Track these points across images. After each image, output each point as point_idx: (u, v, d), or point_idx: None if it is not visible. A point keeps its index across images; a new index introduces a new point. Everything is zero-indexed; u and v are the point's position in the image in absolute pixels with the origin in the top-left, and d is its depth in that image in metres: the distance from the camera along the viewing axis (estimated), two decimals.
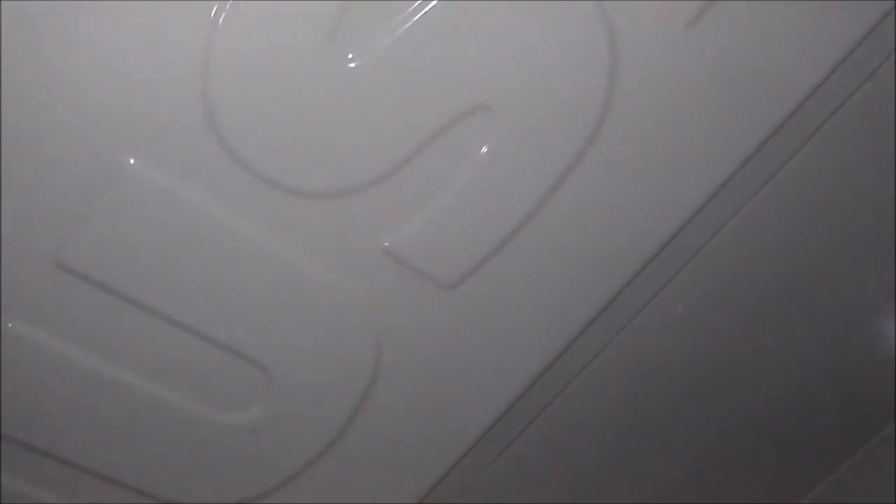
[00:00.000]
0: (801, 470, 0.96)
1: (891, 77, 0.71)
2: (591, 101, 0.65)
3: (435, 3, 0.60)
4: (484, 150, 0.65)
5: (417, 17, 0.60)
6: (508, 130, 0.65)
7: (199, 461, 0.75)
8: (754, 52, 0.65)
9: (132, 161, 0.62)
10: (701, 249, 0.74)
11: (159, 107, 0.61)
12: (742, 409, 0.90)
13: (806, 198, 0.77)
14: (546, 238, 0.70)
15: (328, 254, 0.68)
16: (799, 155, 0.73)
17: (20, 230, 0.63)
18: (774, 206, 0.76)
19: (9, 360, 0.67)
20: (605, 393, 0.83)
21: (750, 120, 0.69)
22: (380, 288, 0.70)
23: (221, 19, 0.58)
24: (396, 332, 0.72)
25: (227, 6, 0.58)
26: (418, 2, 0.60)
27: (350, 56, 0.61)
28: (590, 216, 0.69)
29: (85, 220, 0.63)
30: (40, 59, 0.58)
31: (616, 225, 0.70)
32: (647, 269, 0.72)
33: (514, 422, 0.81)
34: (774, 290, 0.83)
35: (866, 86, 0.71)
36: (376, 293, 0.70)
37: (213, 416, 0.73)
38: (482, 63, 0.62)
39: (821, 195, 0.78)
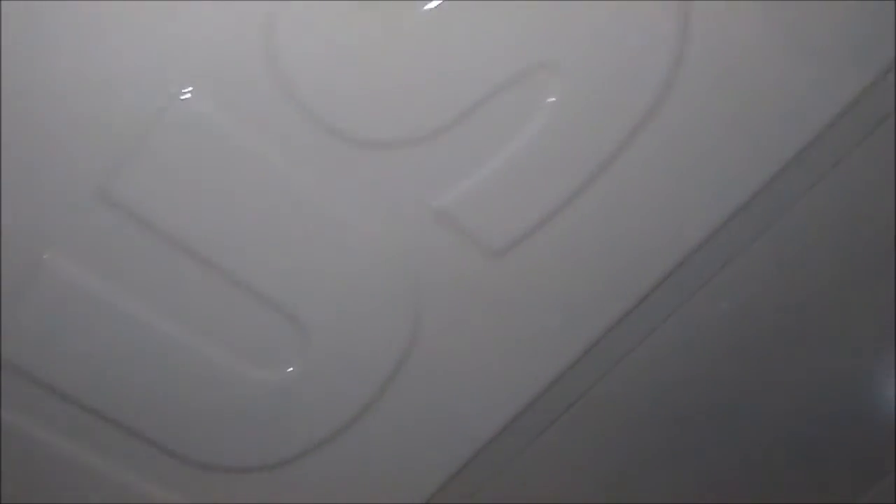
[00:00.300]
0: None
1: None
2: (658, 69, 0.63)
3: None
4: (545, 111, 0.64)
5: None
6: (572, 93, 0.64)
7: (225, 417, 0.73)
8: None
9: (189, 96, 0.61)
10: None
11: (220, 44, 0.60)
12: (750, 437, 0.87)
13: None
14: (598, 211, 0.68)
15: (378, 208, 0.66)
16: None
17: (68, 156, 0.62)
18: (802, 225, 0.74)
19: (41, 293, 0.65)
20: (641, 384, 0.80)
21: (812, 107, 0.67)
22: (426, 249, 0.68)
23: None
24: (437, 298, 0.70)
25: None
26: None
27: None
28: (644, 192, 0.68)
29: (136, 153, 0.62)
30: None
31: (670, 204, 0.68)
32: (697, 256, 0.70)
33: (545, 411, 0.78)
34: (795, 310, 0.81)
35: None
36: (422, 254, 0.68)
37: (244, 370, 0.71)
38: (552, 19, 0.61)
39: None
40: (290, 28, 0.60)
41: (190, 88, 0.60)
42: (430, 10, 0.59)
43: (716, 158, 0.67)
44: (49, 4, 0.57)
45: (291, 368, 0.71)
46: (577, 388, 0.78)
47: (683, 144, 0.66)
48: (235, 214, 0.65)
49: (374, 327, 0.70)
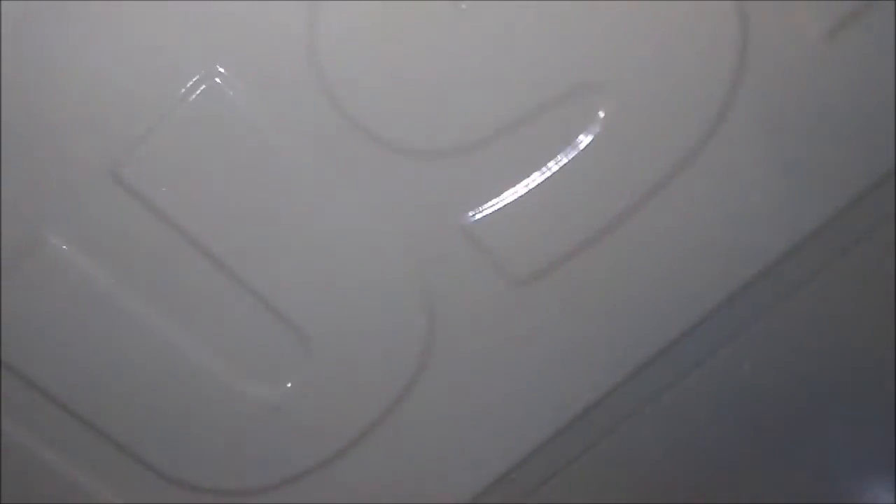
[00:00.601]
0: None
1: None
2: (711, 102, 0.60)
3: None
4: (589, 135, 0.61)
5: None
6: (620, 118, 0.61)
7: (212, 433, 0.68)
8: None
9: (219, 80, 0.58)
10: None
11: (260, 29, 0.57)
12: None
13: None
14: (632, 249, 0.65)
15: (401, 220, 0.62)
16: None
17: (82, 130, 0.58)
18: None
19: (37, 273, 0.61)
20: (652, 442, 0.76)
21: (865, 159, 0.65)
22: (448, 269, 0.64)
23: None
24: (454, 322, 0.65)
25: None
26: None
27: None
28: (688, 228, 0.64)
29: (154, 133, 0.59)
30: None
31: (714, 242, 0.65)
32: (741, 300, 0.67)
33: (548, 462, 0.73)
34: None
35: None
36: (443, 274, 0.64)
37: (238, 382, 0.66)
38: (607, 35, 0.58)
39: None
40: (333, 22, 0.57)
41: (222, 70, 0.57)
42: (475, 13, 0.57)
43: (762, 201, 0.63)
44: None
45: (290, 384, 0.67)
46: (583, 441, 0.73)
47: (727, 184, 0.63)
48: (248, 209, 0.61)
49: (382, 346, 0.65)
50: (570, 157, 0.61)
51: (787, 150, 0.62)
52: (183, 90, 0.58)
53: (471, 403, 0.67)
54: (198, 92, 0.58)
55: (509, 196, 0.62)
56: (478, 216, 0.63)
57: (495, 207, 0.62)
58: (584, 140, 0.61)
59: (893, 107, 0.61)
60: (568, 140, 0.61)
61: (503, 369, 0.67)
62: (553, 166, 0.62)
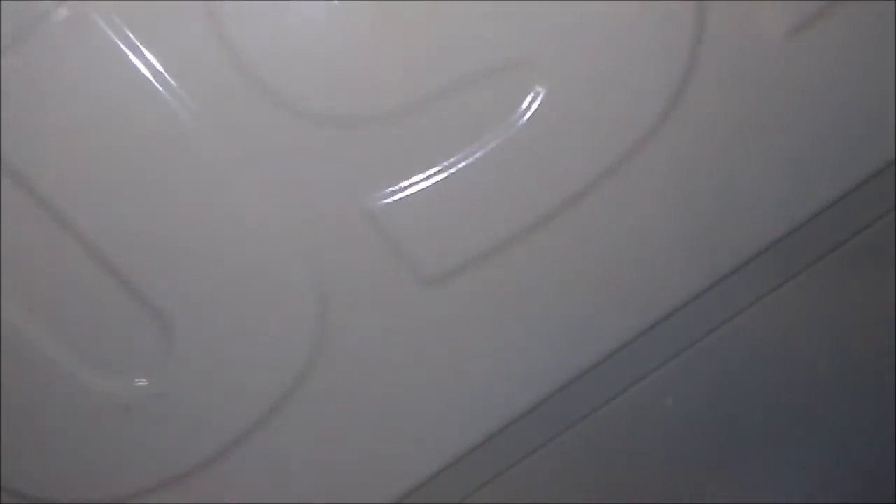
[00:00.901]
0: None
1: None
2: (659, 94, 0.54)
3: None
4: (521, 118, 0.53)
5: None
6: (556, 101, 0.53)
7: (56, 436, 0.56)
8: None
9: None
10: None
11: None
12: None
13: None
14: (563, 249, 0.57)
15: (296, 193, 0.53)
16: None
17: None
18: None
19: None
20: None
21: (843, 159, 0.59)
22: (345, 258, 0.55)
23: None
24: (348, 319, 0.56)
25: None
26: None
27: None
28: (624, 230, 0.57)
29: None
30: None
31: (655, 248, 0.58)
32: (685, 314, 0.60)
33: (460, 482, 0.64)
34: None
35: None
36: (339, 264, 0.55)
37: (87, 376, 0.55)
38: (546, 8, 0.51)
39: None
40: None
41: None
42: None
43: (719, 199, 0.57)
44: None
45: (144, 382, 0.56)
46: (500, 461, 0.65)
47: (678, 179, 0.56)
48: (109, 167, 0.51)
49: (264, 340, 0.55)
50: (500, 139, 0.53)
51: (737, 148, 0.56)
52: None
53: (363, 414, 0.58)
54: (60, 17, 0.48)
55: (425, 180, 0.54)
56: (386, 200, 0.54)
57: (408, 192, 0.54)
58: (518, 122, 0.53)
59: (856, 109, 0.56)
60: (499, 120, 0.53)
61: (404, 378, 0.58)
62: (478, 149, 0.54)
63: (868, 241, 0.65)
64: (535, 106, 0.53)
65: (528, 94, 0.53)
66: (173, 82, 0.49)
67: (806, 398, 0.70)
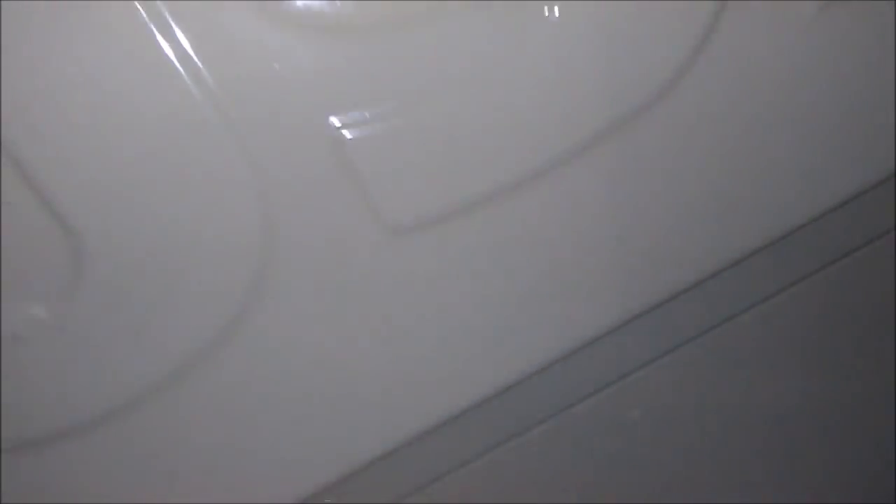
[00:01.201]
0: None
1: None
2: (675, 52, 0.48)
3: None
4: (518, 55, 0.47)
5: None
6: (562, 42, 0.47)
7: None
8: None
9: None
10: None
11: None
12: None
13: None
14: (545, 217, 0.51)
15: (250, 106, 0.44)
16: None
17: None
18: None
19: None
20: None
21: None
22: (299, 187, 0.47)
23: None
24: (294, 260, 0.48)
25: None
26: None
27: None
28: (615, 202, 0.51)
29: None
30: None
31: (641, 231, 0.52)
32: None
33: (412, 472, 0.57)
34: None
35: None
36: (292, 193, 0.47)
37: None
38: None
39: None
40: None
41: None
42: None
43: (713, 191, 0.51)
44: None
45: (42, 312, 0.46)
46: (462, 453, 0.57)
47: (678, 152, 0.50)
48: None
49: (191, 274, 0.46)
50: (497, 77, 0.46)
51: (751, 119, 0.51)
52: None
53: (299, 375, 0.50)
54: None
55: (403, 113, 0.46)
56: (358, 129, 0.46)
57: (382, 124, 0.46)
58: (518, 59, 0.46)
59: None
60: (497, 55, 0.46)
61: (345, 335, 0.50)
62: (469, 86, 0.47)
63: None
64: (544, 36, 0.46)
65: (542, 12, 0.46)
66: None
67: (788, 411, 0.65)
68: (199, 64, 0.42)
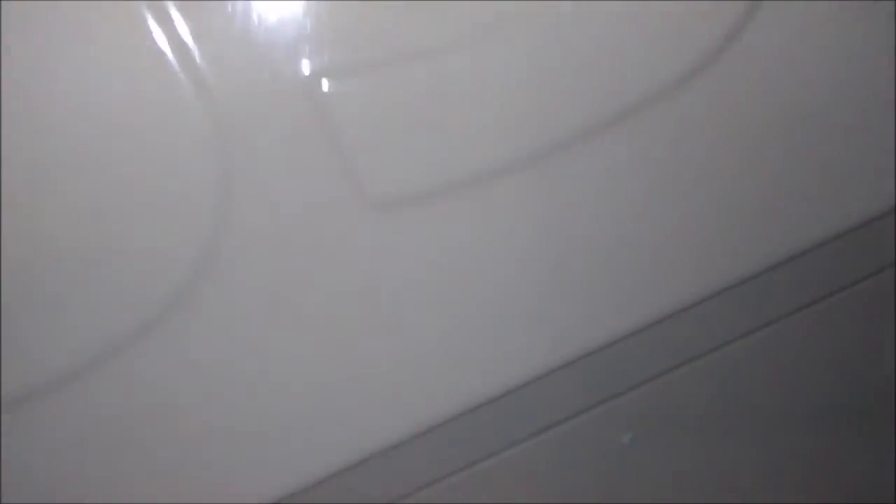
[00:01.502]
0: None
1: None
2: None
3: None
4: (525, 20, 0.40)
5: None
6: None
7: None
8: None
9: None
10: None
11: None
12: None
13: None
14: (539, 205, 0.44)
15: (222, 58, 0.39)
16: None
17: None
18: None
19: None
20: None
21: None
22: (268, 143, 0.41)
23: None
24: (251, 224, 0.42)
25: None
26: None
27: None
28: (614, 198, 0.44)
29: None
30: None
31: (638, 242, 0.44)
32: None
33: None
34: None
35: None
36: (260, 150, 0.41)
37: None
38: None
39: None
40: None
41: None
42: None
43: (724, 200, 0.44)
44: None
45: None
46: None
47: (682, 151, 0.43)
48: None
49: (142, 225, 0.41)
50: (500, 41, 0.40)
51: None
52: None
53: (252, 354, 0.43)
54: None
55: (393, 65, 0.41)
56: (340, 83, 0.40)
57: (368, 78, 0.40)
58: (525, 23, 0.40)
59: None
60: (502, 15, 0.40)
61: (311, 315, 0.43)
62: (470, 45, 0.41)
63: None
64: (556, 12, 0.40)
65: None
66: None
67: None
68: None
